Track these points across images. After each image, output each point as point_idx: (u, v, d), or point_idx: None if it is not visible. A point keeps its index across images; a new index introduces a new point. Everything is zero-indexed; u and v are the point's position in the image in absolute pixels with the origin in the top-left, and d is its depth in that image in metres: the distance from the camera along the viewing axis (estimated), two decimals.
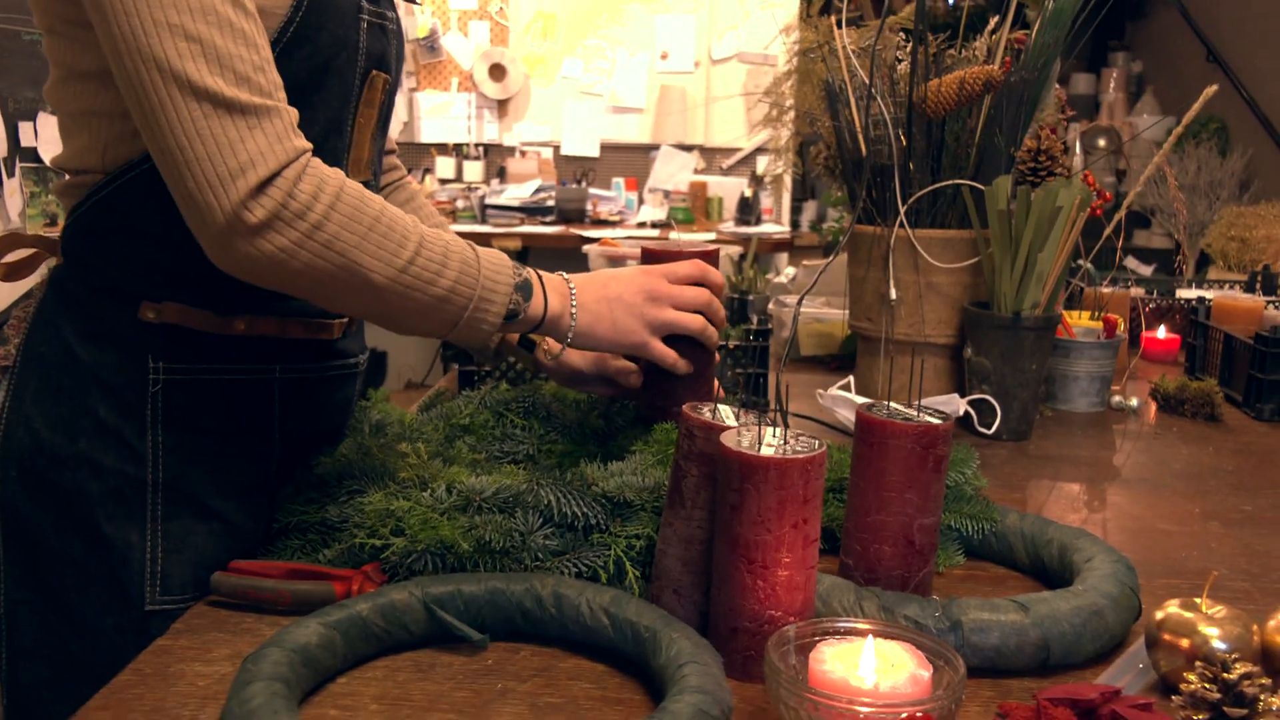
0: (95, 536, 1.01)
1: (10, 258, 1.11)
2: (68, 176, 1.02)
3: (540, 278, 1.02)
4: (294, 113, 0.91)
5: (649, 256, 1.13)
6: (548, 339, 1.17)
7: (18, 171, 3.47)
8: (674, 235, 4.60)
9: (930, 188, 1.54)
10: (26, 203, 3.50)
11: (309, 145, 0.91)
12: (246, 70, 0.87)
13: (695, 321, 1.06)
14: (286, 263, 0.88)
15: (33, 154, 3.52)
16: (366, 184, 1.11)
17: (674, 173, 5.24)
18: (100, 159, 0.98)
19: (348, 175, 1.06)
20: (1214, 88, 1.66)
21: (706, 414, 0.88)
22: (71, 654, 1.02)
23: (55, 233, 1.06)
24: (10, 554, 1.03)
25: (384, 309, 0.95)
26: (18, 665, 1.04)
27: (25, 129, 3.48)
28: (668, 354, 1.06)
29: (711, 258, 1.12)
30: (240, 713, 0.70)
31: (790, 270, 2.65)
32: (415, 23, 5.18)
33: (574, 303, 1.02)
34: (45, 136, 3.49)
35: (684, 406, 0.89)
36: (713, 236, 4.59)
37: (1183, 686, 0.73)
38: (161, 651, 0.86)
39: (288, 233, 0.87)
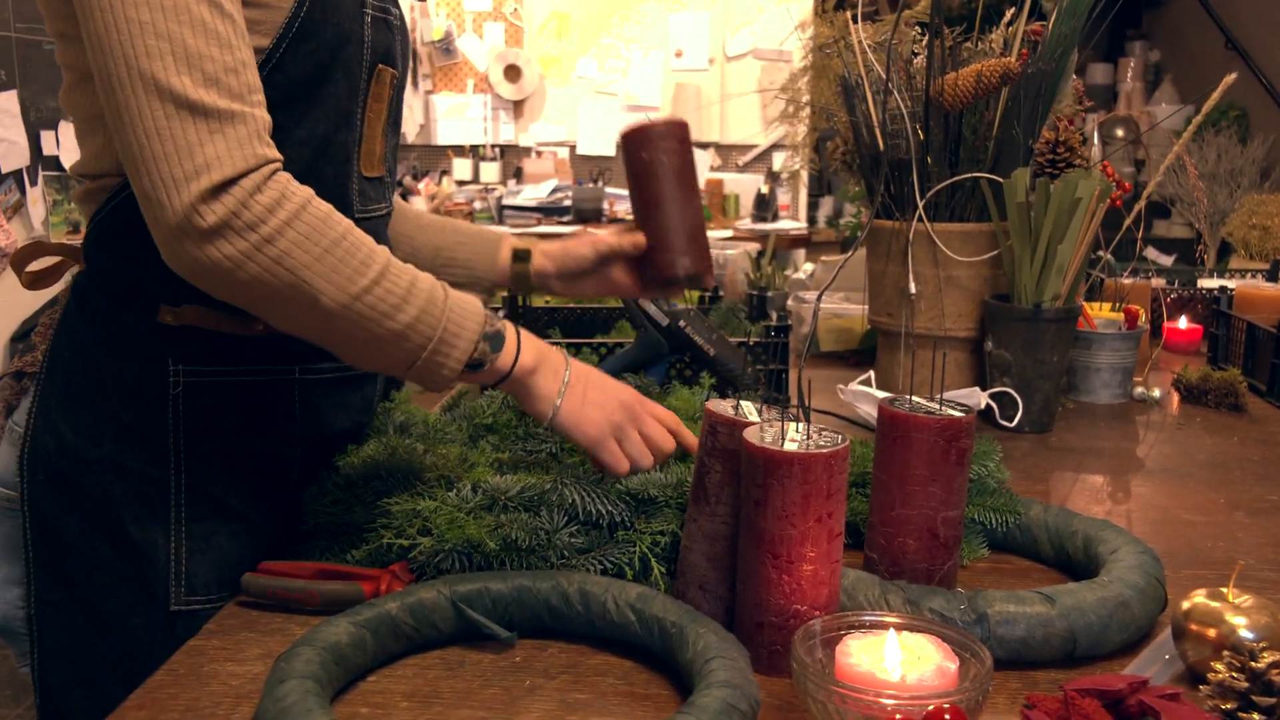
0: (122, 538, 1.02)
1: (34, 266, 1.12)
2: (87, 182, 1.03)
3: (519, 334, 1.00)
4: (266, 120, 0.90)
5: (628, 136, 1.18)
6: (537, 256, 1.25)
7: (40, 180, 3.50)
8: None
9: (948, 181, 1.54)
10: (49, 210, 3.53)
11: (278, 156, 0.90)
12: (216, 71, 0.86)
13: (646, 460, 1.03)
14: (233, 272, 0.87)
15: (55, 162, 3.55)
16: (380, 180, 1.12)
17: None
18: (115, 161, 0.99)
19: (360, 170, 1.07)
20: (1233, 76, 1.65)
21: (729, 410, 0.88)
22: (100, 654, 1.04)
23: (78, 240, 1.07)
24: (39, 556, 1.05)
25: (333, 335, 0.93)
26: (48, 665, 1.06)
27: (47, 137, 3.52)
28: (621, 463, 1.02)
29: (684, 129, 1.18)
30: (274, 710, 0.71)
31: (809, 266, 2.65)
32: (430, 25, 5.19)
33: (566, 380, 1.02)
34: (67, 145, 3.53)
35: (706, 404, 0.89)
36: (729, 234, 4.59)
37: (1210, 676, 0.73)
38: (194, 651, 0.87)
39: (237, 242, 0.86)
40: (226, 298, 0.91)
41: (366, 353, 0.94)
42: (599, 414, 1.02)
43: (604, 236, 1.22)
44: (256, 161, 0.87)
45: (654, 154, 1.16)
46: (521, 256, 1.27)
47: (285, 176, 0.89)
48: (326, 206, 0.91)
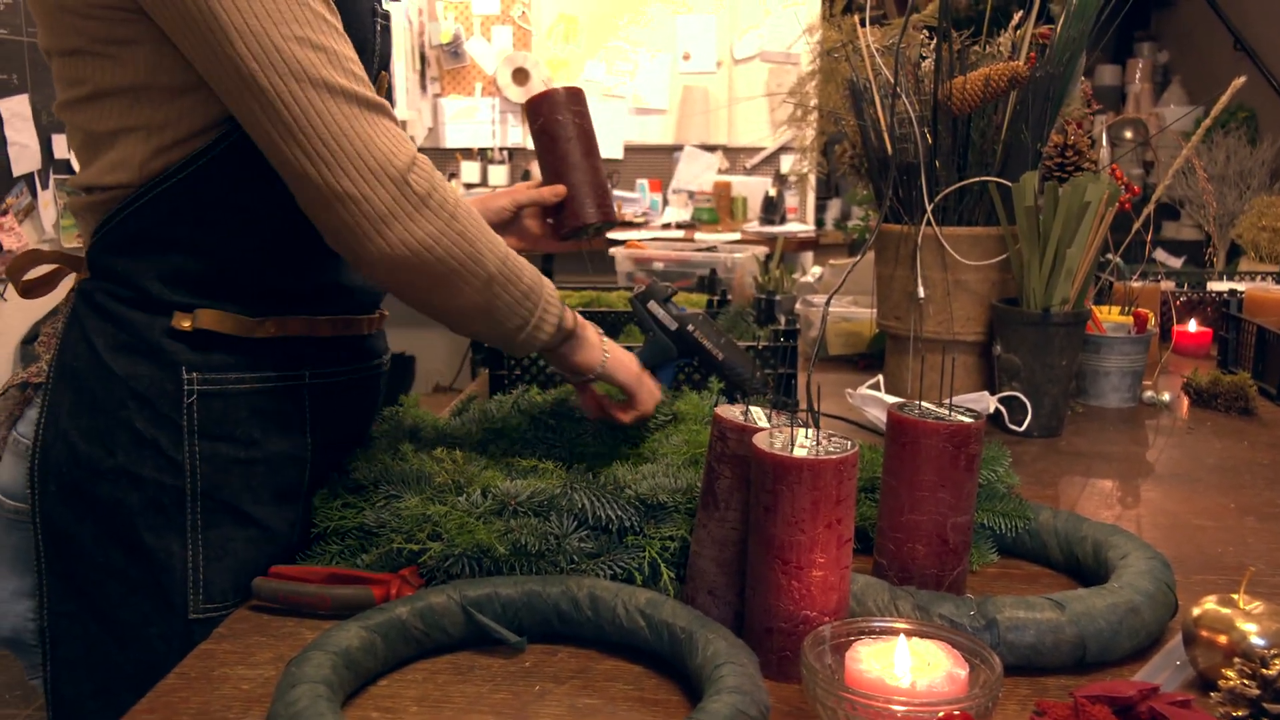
0: (137, 547, 1.02)
1: (30, 274, 1.12)
2: (94, 194, 1.02)
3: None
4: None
5: (531, 103, 1.32)
6: None
7: (51, 183, 3.51)
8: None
9: (957, 185, 1.54)
10: (60, 214, 3.55)
11: None
12: (357, 71, 0.93)
13: (645, 399, 1.17)
14: (430, 249, 0.94)
15: (66, 166, 3.56)
16: None
17: (698, 173, 5.23)
18: (137, 173, 0.99)
19: None
20: (1242, 79, 1.65)
21: (739, 415, 0.88)
22: (115, 664, 1.04)
23: (81, 244, 1.07)
24: (52, 568, 1.04)
25: (488, 300, 1.00)
26: (62, 677, 1.06)
27: (59, 141, 3.53)
28: (647, 399, 1.16)
29: (583, 95, 1.34)
30: (286, 715, 0.71)
31: (816, 269, 2.65)
32: (438, 28, 5.20)
33: (602, 332, 1.13)
34: None
35: (716, 410, 0.89)
36: (737, 236, 4.59)
37: (1221, 683, 0.73)
38: (205, 655, 0.88)
39: (433, 219, 0.94)
40: (407, 282, 0.97)
41: (500, 316, 1.02)
42: (630, 360, 1.15)
43: (523, 189, 1.34)
44: (414, 144, 0.95)
45: (565, 116, 1.31)
46: None
47: None
48: None
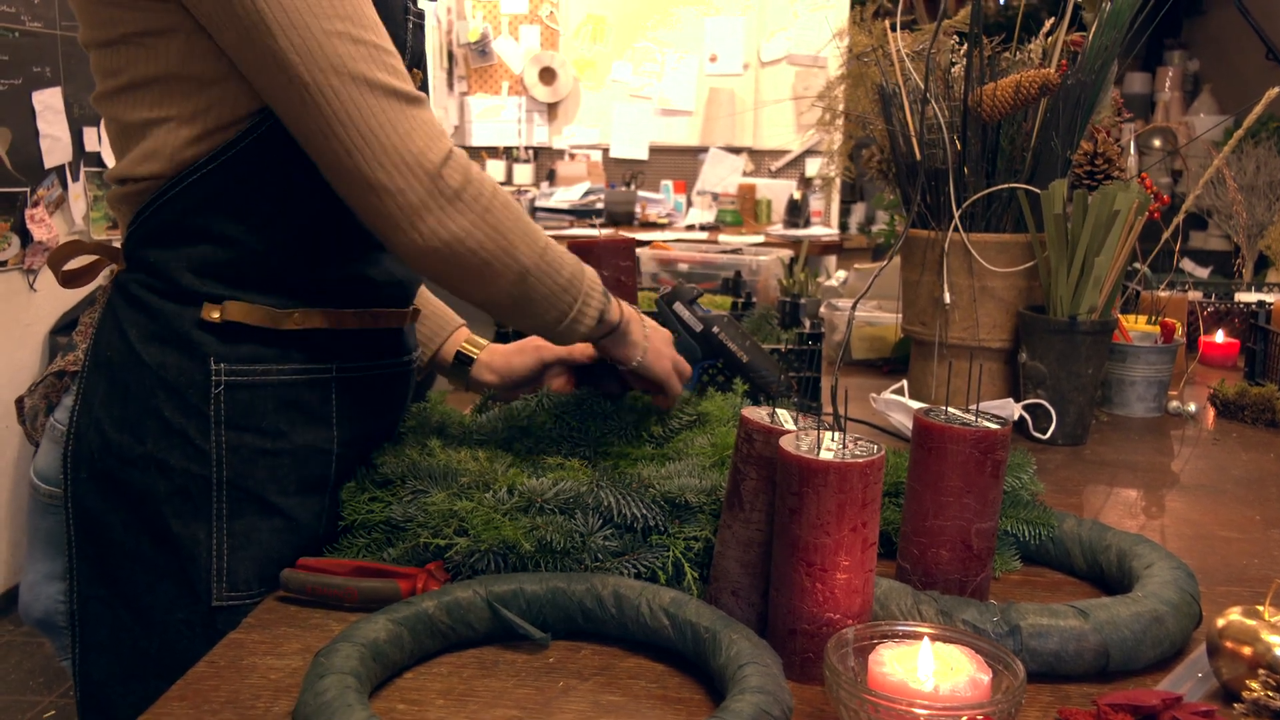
0: (164, 534, 1.04)
1: (70, 265, 1.14)
2: (127, 185, 1.04)
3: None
4: None
5: (578, 249, 1.22)
6: (480, 368, 1.32)
7: (82, 175, 3.55)
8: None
9: (985, 191, 1.54)
10: (90, 206, 3.58)
11: None
12: (396, 64, 0.95)
13: (675, 389, 1.20)
14: (462, 242, 0.96)
15: (96, 158, 3.60)
16: None
17: (723, 175, 5.24)
18: (168, 164, 1.00)
19: None
20: (1275, 90, 1.64)
21: (765, 418, 0.89)
22: (141, 648, 1.05)
23: (116, 235, 1.08)
24: (82, 551, 1.06)
25: (523, 292, 1.01)
26: (90, 659, 1.08)
27: (90, 134, 3.56)
28: (677, 388, 1.20)
29: (627, 249, 1.29)
30: (314, 705, 0.72)
31: (841, 273, 2.65)
32: (466, 27, 5.22)
33: (646, 326, 1.16)
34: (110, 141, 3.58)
35: (742, 412, 0.90)
36: (761, 239, 4.60)
37: (1245, 694, 0.73)
38: (234, 645, 0.89)
39: (467, 213, 0.95)
40: (440, 273, 0.99)
41: (537, 308, 1.04)
42: (667, 350, 1.19)
43: (552, 347, 1.27)
44: (451, 139, 0.97)
45: (606, 272, 1.24)
46: (464, 360, 1.32)
47: None
48: None
